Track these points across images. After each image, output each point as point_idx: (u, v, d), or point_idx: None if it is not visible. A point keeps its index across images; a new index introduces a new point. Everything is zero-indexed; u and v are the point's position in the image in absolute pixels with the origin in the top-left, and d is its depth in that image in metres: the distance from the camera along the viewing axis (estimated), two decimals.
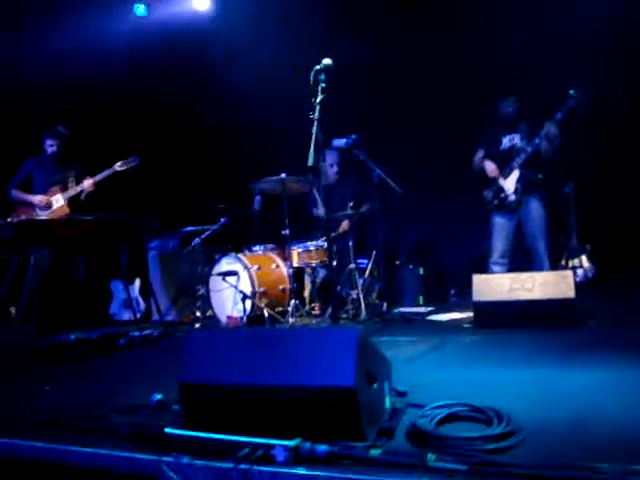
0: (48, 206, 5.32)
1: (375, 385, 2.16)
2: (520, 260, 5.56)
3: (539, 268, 5.26)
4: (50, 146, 5.52)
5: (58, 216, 5.26)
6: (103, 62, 7.13)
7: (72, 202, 5.43)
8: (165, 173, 6.95)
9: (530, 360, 3.23)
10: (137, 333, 5.03)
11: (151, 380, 3.41)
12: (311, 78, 3.45)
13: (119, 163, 5.43)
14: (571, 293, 4.10)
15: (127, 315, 6.40)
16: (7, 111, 6.76)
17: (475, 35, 6.36)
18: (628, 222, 6.13)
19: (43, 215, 5.29)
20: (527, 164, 5.28)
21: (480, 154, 5.52)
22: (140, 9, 7.44)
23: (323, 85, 3.42)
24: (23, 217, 5.08)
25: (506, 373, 2.97)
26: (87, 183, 5.42)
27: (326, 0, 6.86)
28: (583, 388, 2.59)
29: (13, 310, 6.06)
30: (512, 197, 5.32)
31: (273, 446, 1.91)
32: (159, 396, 2.67)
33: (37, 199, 5.35)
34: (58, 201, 5.37)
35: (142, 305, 6.51)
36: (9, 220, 5.00)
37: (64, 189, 5.43)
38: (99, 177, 5.44)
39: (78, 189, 5.43)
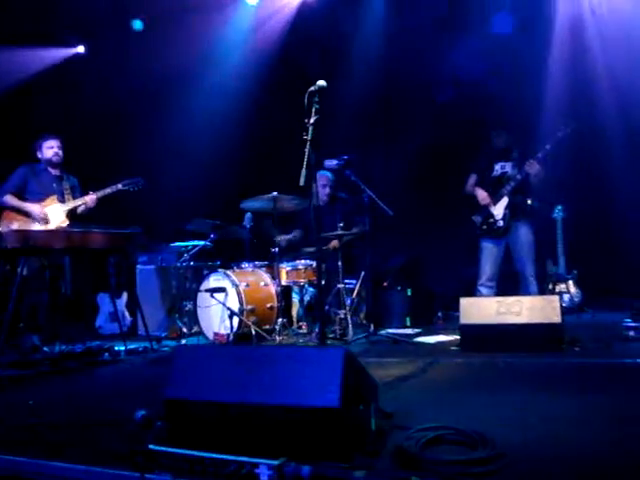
0: (46, 220, 5.22)
1: (361, 406, 2.17)
2: (508, 284, 5.61)
3: (526, 292, 5.31)
4: (50, 148, 5.36)
5: (56, 227, 5.18)
6: (96, 77, 7.18)
7: (70, 214, 5.35)
8: (156, 188, 6.94)
9: (516, 384, 3.25)
10: (122, 347, 5.00)
11: (135, 395, 3.39)
12: (305, 99, 3.48)
13: (123, 182, 5.38)
14: (557, 318, 4.13)
15: (113, 329, 6.35)
16: None
17: (473, 63, 6.46)
18: (614, 249, 6.21)
19: (40, 225, 5.19)
20: (516, 191, 5.37)
21: (472, 180, 5.62)
22: (137, 25, 7.50)
23: (317, 107, 3.45)
24: (15, 226, 4.99)
25: (492, 396, 2.98)
26: (89, 198, 5.32)
27: (324, 27, 6.93)
28: (567, 412, 2.61)
29: None
30: (500, 223, 5.40)
31: (257, 465, 1.90)
32: (143, 412, 2.64)
33: (35, 211, 5.19)
34: (57, 211, 5.26)
35: (128, 319, 6.46)
36: None
37: (61, 200, 5.35)
38: (101, 194, 5.35)
39: (78, 202, 5.33)
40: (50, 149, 5.39)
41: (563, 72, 6.11)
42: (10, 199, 5.18)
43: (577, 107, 5.86)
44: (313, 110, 3.46)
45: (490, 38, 6.38)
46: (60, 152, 5.43)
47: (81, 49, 7.95)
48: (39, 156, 5.43)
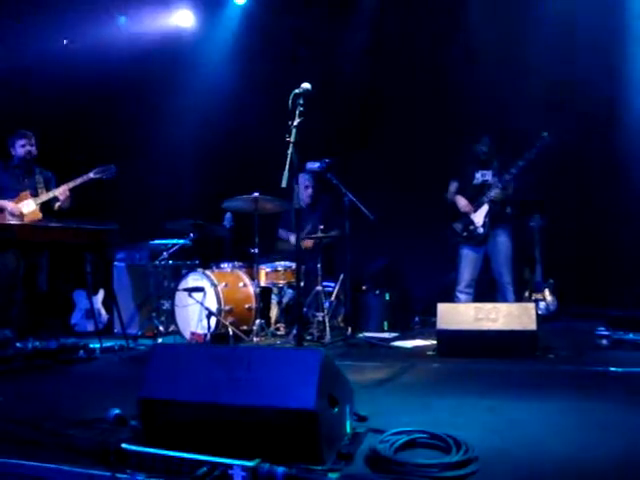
0: (20, 215, 5.14)
1: (336, 409, 2.17)
2: (485, 291, 5.66)
3: (503, 299, 5.37)
4: (22, 147, 5.27)
5: (30, 221, 5.11)
6: (79, 69, 7.10)
7: (44, 208, 5.27)
8: (136, 185, 6.88)
9: (490, 389, 3.28)
10: (97, 345, 4.95)
11: (110, 394, 3.35)
12: (289, 101, 3.48)
13: (94, 170, 5.26)
14: (533, 325, 4.18)
15: (89, 326, 6.29)
16: None
17: (456, 69, 6.51)
18: (591, 258, 6.29)
19: (14, 221, 5.12)
20: (496, 199, 5.42)
21: (453, 187, 5.67)
22: (122, 21, 7.45)
23: (301, 109, 3.45)
24: None
25: (466, 401, 3.01)
26: (60, 189, 5.22)
27: (305, 25, 6.94)
28: (539, 418, 2.65)
29: None
30: (480, 230, 5.44)
31: (231, 466, 1.90)
32: (117, 411, 2.62)
33: (9, 207, 5.12)
34: (29, 206, 5.19)
35: (104, 317, 6.40)
36: None
37: (34, 195, 5.28)
38: (72, 184, 5.24)
39: (50, 195, 5.23)
40: (22, 147, 5.31)
41: (543, 77, 6.17)
42: None
43: (556, 113, 5.92)
44: (297, 112, 3.46)
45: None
46: (33, 149, 5.35)
47: (65, 42, 7.85)
48: (12, 152, 5.36)
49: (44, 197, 5.24)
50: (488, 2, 6.45)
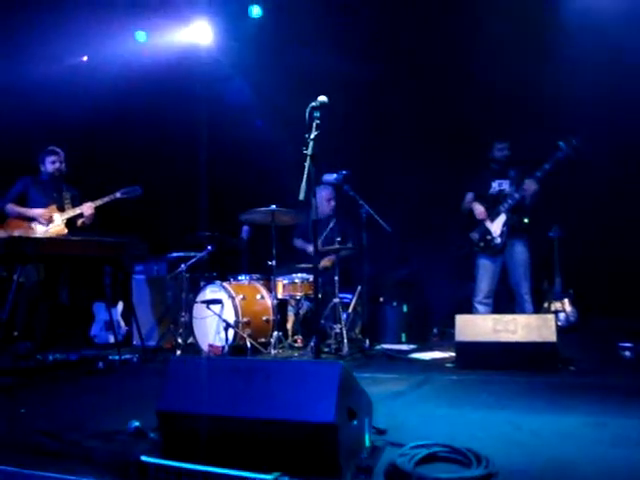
0: (49, 220, 5.25)
1: (355, 422, 2.16)
2: (504, 302, 5.61)
3: (522, 310, 5.32)
4: (52, 163, 5.43)
5: (55, 235, 5.20)
6: (101, 88, 7.22)
7: (69, 223, 5.37)
8: (155, 198, 6.95)
9: (510, 402, 3.24)
10: (117, 357, 4.98)
11: (129, 406, 3.38)
12: (306, 114, 3.50)
13: (121, 191, 5.39)
14: (553, 337, 4.14)
15: (108, 338, 6.33)
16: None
17: (471, 78, 6.49)
18: (611, 268, 6.21)
19: (40, 230, 5.21)
20: (514, 209, 5.39)
21: (469, 197, 5.63)
22: (140, 36, 7.55)
23: (318, 122, 3.47)
24: (15, 233, 5.00)
25: (486, 414, 2.98)
26: (86, 206, 5.34)
27: (324, 39, 6.97)
28: (560, 432, 2.61)
29: None
30: (498, 240, 5.40)
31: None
32: (137, 423, 2.64)
33: (39, 212, 5.25)
34: (56, 220, 5.30)
35: (123, 329, 6.44)
36: None
37: (61, 209, 5.38)
38: (99, 202, 5.38)
39: (77, 211, 5.35)
40: (52, 164, 5.47)
41: (563, 86, 6.13)
42: (13, 207, 5.26)
43: (579, 123, 5.87)
44: (314, 125, 3.47)
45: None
46: (62, 166, 5.51)
47: (85, 58, 7.99)
48: (42, 168, 5.50)
49: (70, 213, 5.36)
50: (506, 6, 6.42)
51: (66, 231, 5.30)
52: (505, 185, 5.50)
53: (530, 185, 5.26)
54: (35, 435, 2.68)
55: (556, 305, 6.26)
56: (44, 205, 5.33)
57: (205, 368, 2.33)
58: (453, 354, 4.53)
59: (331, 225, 5.86)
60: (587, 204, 6.27)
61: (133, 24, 7.45)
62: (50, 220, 5.26)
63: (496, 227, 5.42)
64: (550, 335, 4.14)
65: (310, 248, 6.01)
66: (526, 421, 2.79)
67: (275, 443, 2.06)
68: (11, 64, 7.16)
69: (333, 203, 6.12)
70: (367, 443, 2.29)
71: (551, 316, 4.35)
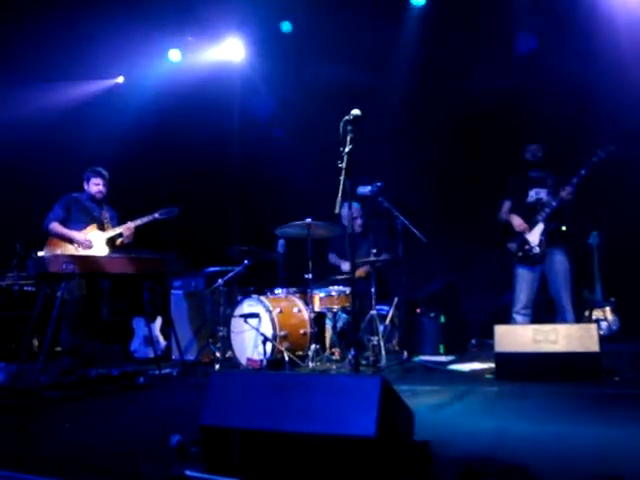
0: (89, 247, 5.37)
1: (397, 436, 2.16)
2: (543, 312, 5.52)
3: (562, 320, 5.22)
4: (96, 185, 5.57)
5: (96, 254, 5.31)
6: (137, 107, 7.40)
7: (110, 242, 5.49)
8: (192, 214, 7.06)
9: (554, 414, 3.19)
10: (157, 372, 5.06)
11: (170, 420, 3.42)
12: (340, 128, 3.53)
13: (160, 212, 5.51)
14: (595, 347, 4.05)
15: (147, 353, 6.43)
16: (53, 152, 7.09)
17: (506, 86, 6.45)
18: None
19: (81, 251, 5.32)
20: (551, 217, 5.31)
21: (507, 206, 5.57)
22: (174, 56, 7.70)
23: (351, 135, 3.49)
24: (58, 251, 5.13)
25: (528, 427, 2.94)
26: (126, 226, 5.46)
27: (355, 55, 7.01)
28: (606, 445, 2.55)
29: (36, 342, 6.15)
30: (536, 249, 5.32)
31: None
32: (178, 437, 2.67)
33: (80, 238, 5.35)
34: (97, 239, 5.42)
35: (162, 343, 6.53)
36: (42, 254, 5.08)
37: (101, 228, 5.50)
38: (139, 222, 5.50)
39: (118, 231, 5.47)
40: (96, 186, 5.60)
41: (599, 93, 6.03)
42: (56, 227, 5.36)
43: (615, 128, 5.77)
44: (348, 139, 3.50)
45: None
46: (104, 189, 5.64)
47: (120, 80, 8.20)
48: (85, 187, 5.63)
49: (111, 232, 5.48)
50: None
51: (107, 250, 5.42)
52: (542, 194, 5.43)
53: (568, 194, 5.18)
54: (79, 449, 2.74)
55: (597, 314, 6.13)
56: (85, 224, 5.44)
57: (246, 382, 2.35)
58: (492, 365, 4.47)
59: (366, 243, 5.87)
60: (626, 210, 6.14)
61: (167, 43, 7.62)
62: (90, 246, 5.35)
63: (534, 237, 5.35)
64: (592, 345, 4.06)
65: (344, 265, 6.03)
66: (569, 434, 2.75)
67: (316, 458, 2.07)
68: (48, 85, 7.40)
69: (360, 221, 6.11)
70: (409, 456, 2.28)
71: (593, 325, 4.27)
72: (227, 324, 5.59)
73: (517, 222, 5.42)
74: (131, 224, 5.47)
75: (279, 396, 2.18)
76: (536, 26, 6.41)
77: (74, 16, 6.71)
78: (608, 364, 4.20)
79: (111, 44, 7.26)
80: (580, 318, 5.85)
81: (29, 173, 7.28)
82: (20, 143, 7.10)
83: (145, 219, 5.50)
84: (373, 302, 5.25)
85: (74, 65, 7.39)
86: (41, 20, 6.68)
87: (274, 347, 5.11)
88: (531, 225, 5.36)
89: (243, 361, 5.35)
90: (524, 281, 5.41)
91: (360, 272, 5.82)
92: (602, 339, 4.19)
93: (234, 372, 4.28)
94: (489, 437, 2.79)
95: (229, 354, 5.65)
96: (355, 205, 5.94)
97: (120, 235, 5.47)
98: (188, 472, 2.16)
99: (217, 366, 5.51)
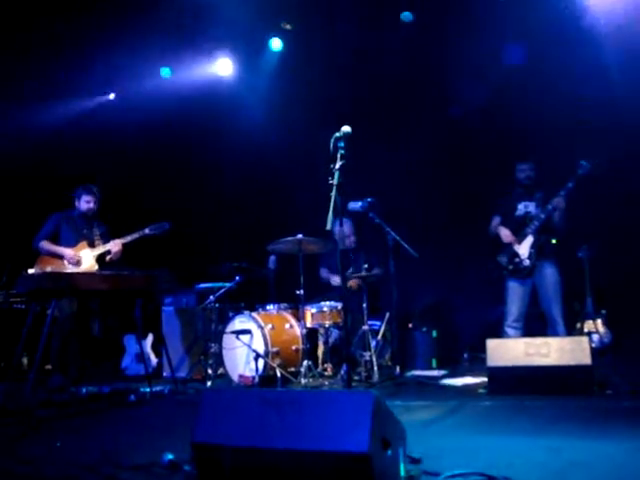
0: (78, 263, 5.35)
1: (390, 451, 2.15)
2: (535, 325, 5.53)
3: (554, 333, 5.23)
4: (87, 202, 5.56)
5: (85, 270, 5.29)
6: (127, 124, 7.41)
7: (99, 259, 5.47)
8: (182, 230, 7.06)
9: (547, 428, 3.19)
10: (148, 389, 5.02)
11: (162, 438, 3.39)
12: (331, 145, 3.55)
13: (149, 227, 5.49)
14: (587, 360, 4.06)
15: (138, 370, 6.38)
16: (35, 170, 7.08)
17: (494, 101, 6.51)
18: None
19: (71, 269, 5.31)
20: (541, 230, 5.35)
21: (496, 221, 5.61)
22: (166, 72, 7.74)
23: (342, 152, 3.51)
24: (48, 269, 5.11)
25: (521, 441, 2.93)
26: (114, 243, 5.44)
27: (345, 71, 7.07)
28: (599, 459, 2.55)
29: (25, 361, 6.10)
30: (526, 262, 5.35)
31: None
32: (170, 456, 2.64)
33: (68, 254, 5.35)
34: (87, 256, 5.41)
35: (154, 360, 6.49)
36: (32, 272, 5.06)
37: (91, 245, 5.48)
38: (128, 239, 5.47)
39: (107, 247, 5.46)
40: (87, 203, 5.59)
41: (586, 105, 6.10)
42: (45, 244, 5.38)
43: (600, 141, 5.83)
44: (339, 155, 3.52)
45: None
46: (95, 207, 5.63)
47: (112, 96, 8.21)
48: (76, 203, 5.63)
49: (100, 249, 5.46)
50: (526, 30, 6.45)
51: (97, 267, 5.40)
52: (531, 207, 5.47)
53: (559, 202, 5.21)
54: (71, 468, 2.71)
55: (589, 326, 6.15)
56: (75, 241, 5.44)
57: (238, 400, 2.34)
58: (485, 379, 4.46)
59: (357, 255, 5.87)
60: (616, 223, 6.19)
61: (159, 60, 7.65)
62: (79, 262, 5.34)
63: (524, 249, 5.38)
64: (584, 358, 4.07)
65: (335, 279, 6.03)
66: (565, 448, 2.74)
67: (309, 474, 2.06)
68: (39, 103, 7.41)
69: (353, 238, 6.12)
70: (402, 473, 2.27)
71: (585, 338, 4.28)
72: (219, 341, 5.57)
73: (504, 233, 5.46)
74: (119, 241, 5.45)
75: (271, 413, 2.17)
76: (525, 38, 6.47)
77: (65, 33, 6.75)
78: (600, 377, 4.21)
79: (102, 61, 7.31)
80: (571, 331, 5.87)
81: (18, 190, 7.27)
82: (10, 160, 7.09)
83: (135, 235, 5.47)
84: (365, 317, 5.25)
85: (65, 82, 7.41)
86: (32, 37, 6.71)
87: (266, 363, 5.10)
88: (520, 238, 5.39)
89: (235, 378, 5.32)
90: (515, 294, 5.43)
91: (352, 283, 5.81)
92: (594, 352, 4.20)
93: (226, 389, 4.25)
94: (483, 451, 2.78)
95: (221, 371, 5.63)
96: (347, 222, 5.95)
97: (109, 252, 5.45)
98: None
99: (209, 383, 5.49)
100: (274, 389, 4.65)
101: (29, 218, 5.95)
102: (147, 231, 5.48)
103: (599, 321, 6.15)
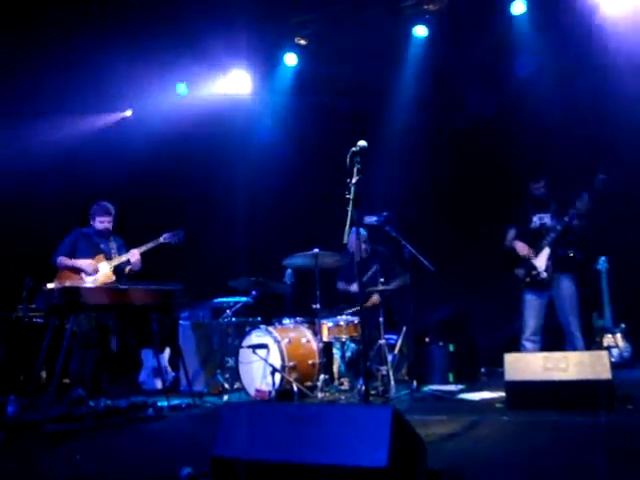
0: (95, 270, 5.42)
1: (409, 466, 2.14)
2: (553, 339, 5.48)
3: (572, 347, 5.18)
4: (101, 222, 5.60)
5: (103, 283, 5.34)
6: (145, 140, 7.50)
7: (116, 271, 5.52)
8: (199, 245, 7.10)
9: (567, 444, 3.15)
10: (166, 403, 5.04)
11: (180, 452, 3.40)
12: (347, 159, 3.56)
13: (164, 235, 5.53)
14: (607, 374, 4.00)
15: (155, 384, 6.41)
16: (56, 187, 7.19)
17: (507, 114, 6.52)
18: None
19: (89, 280, 5.37)
20: (558, 242, 5.30)
21: (511, 234, 5.57)
22: (181, 88, 7.83)
23: (358, 167, 3.52)
24: (67, 283, 5.16)
25: (542, 458, 2.90)
26: (132, 253, 5.49)
27: (359, 87, 7.11)
28: (620, 477, 2.52)
29: (44, 374, 6.14)
30: (543, 275, 5.31)
31: None
32: (189, 469, 2.65)
33: (85, 264, 5.42)
34: (104, 268, 5.47)
35: (171, 374, 6.51)
36: (52, 286, 5.10)
37: (108, 258, 5.54)
38: (144, 248, 5.52)
39: (123, 258, 5.50)
40: (101, 223, 5.62)
41: (602, 118, 6.08)
42: (63, 260, 5.44)
43: (616, 152, 5.80)
44: (355, 170, 3.53)
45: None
46: (110, 226, 5.66)
47: (129, 113, 8.33)
48: (91, 222, 5.66)
49: (117, 261, 5.51)
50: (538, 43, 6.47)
51: (114, 278, 5.44)
52: (546, 219, 5.43)
53: (580, 204, 5.14)
54: None
55: (608, 340, 6.08)
56: (92, 256, 5.49)
57: (257, 414, 2.35)
58: (503, 394, 4.42)
59: (373, 268, 5.86)
60: (635, 235, 6.13)
61: (174, 76, 7.75)
62: (96, 270, 5.40)
63: (541, 262, 5.34)
64: (604, 372, 4.01)
65: (353, 287, 6.02)
66: (583, 465, 2.71)
67: None
68: (58, 119, 7.53)
69: (364, 246, 6.11)
70: None
71: (604, 352, 4.22)
72: (235, 355, 5.58)
73: (520, 247, 5.42)
74: (136, 250, 5.50)
75: (290, 427, 2.18)
76: (535, 50, 6.49)
77: (82, 50, 6.86)
78: (621, 392, 4.15)
79: (119, 78, 7.40)
80: (590, 345, 5.81)
81: (37, 205, 7.36)
82: (28, 175, 7.20)
83: (150, 244, 5.52)
84: (382, 331, 5.24)
85: (82, 98, 7.52)
86: (50, 54, 6.82)
87: (283, 378, 5.09)
88: (537, 250, 5.35)
89: (252, 392, 5.32)
90: (532, 307, 5.39)
91: (373, 300, 5.78)
92: (614, 366, 4.15)
93: (245, 403, 4.26)
94: (502, 467, 2.76)
95: (237, 385, 5.63)
96: (361, 231, 5.96)
97: (127, 263, 5.50)
98: None
99: (226, 397, 5.49)
100: (292, 403, 4.64)
101: (48, 232, 6.02)
102: (162, 240, 5.52)
103: (619, 335, 6.08)
